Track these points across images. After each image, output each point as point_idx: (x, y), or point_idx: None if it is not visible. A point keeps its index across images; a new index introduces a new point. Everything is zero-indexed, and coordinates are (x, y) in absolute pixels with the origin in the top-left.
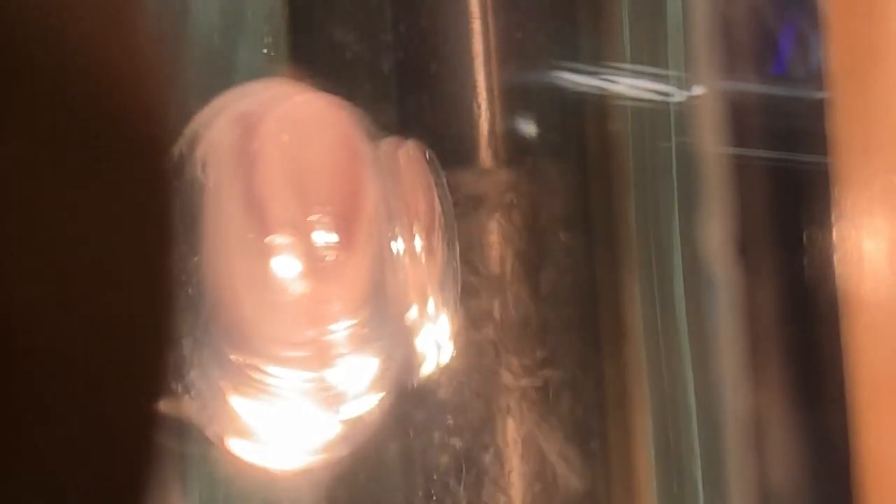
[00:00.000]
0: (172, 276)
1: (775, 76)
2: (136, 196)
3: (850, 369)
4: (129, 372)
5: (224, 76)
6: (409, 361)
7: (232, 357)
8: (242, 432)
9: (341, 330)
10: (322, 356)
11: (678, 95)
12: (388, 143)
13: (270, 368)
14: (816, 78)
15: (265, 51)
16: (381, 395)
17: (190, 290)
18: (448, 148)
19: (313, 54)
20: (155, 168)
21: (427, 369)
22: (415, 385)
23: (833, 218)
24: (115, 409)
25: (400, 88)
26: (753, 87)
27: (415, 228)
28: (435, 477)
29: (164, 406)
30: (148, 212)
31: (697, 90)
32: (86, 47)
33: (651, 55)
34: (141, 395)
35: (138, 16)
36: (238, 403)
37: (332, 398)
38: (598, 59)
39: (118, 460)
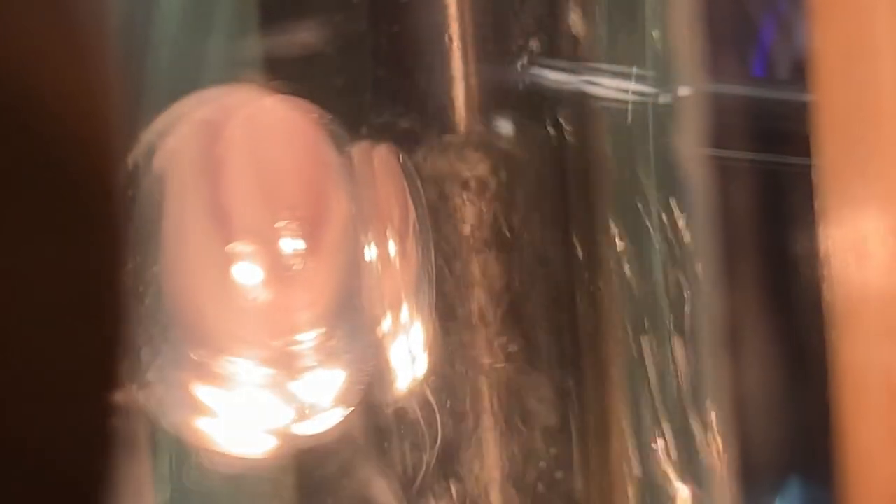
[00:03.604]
0: (121, 281)
1: (758, 77)
2: (84, 208)
3: (828, 281)
4: (80, 370)
5: (191, 78)
6: (380, 375)
7: (193, 355)
8: (203, 421)
9: (308, 340)
10: (287, 367)
11: (658, 96)
12: (360, 146)
13: (232, 359)
14: (800, 78)
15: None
16: (349, 409)
17: (148, 300)
18: (423, 148)
19: (284, 47)
20: (103, 183)
21: (401, 384)
22: (388, 400)
23: None
24: (67, 406)
25: (374, 87)
26: (736, 88)
27: (388, 233)
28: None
29: (120, 399)
30: (96, 223)
31: (678, 91)
32: (35, 67)
33: (630, 55)
34: (93, 391)
35: (93, 37)
36: (199, 392)
37: (296, 409)
38: (576, 58)
39: (74, 456)
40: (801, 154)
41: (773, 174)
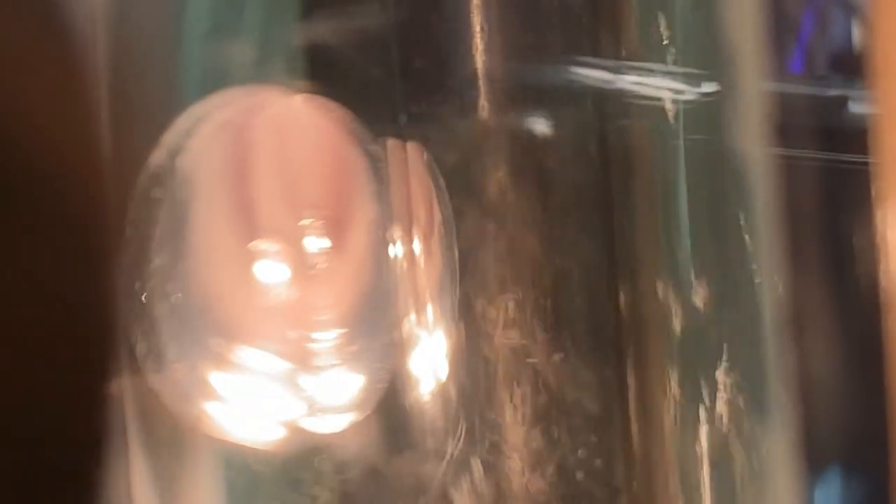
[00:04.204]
0: (110, 282)
1: (796, 73)
2: (72, 218)
3: (886, 270)
4: (73, 366)
5: (224, 74)
6: (398, 379)
7: (214, 346)
8: (218, 409)
9: (328, 340)
10: (304, 363)
11: (689, 93)
12: (386, 146)
13: (252, 352)
14: (839, 74)
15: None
16: (364, 412)
17: (174, 297)
18: (455, 147)
19: (320, 38)
20: (90, 193)
21: (422, 387)
22: (407, 404)
23: None
24: (61, 400)
25: (411, 77)
26: (778, 85)
27: (413, 232)
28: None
29: (113, 389)
30: (82, 231)
31: (709, 87)
32: (17, 82)
33: (662, 52)
34: (86, 385)
35: (76, 54)
36: (216, 381)
37: (310, 405)
38: (609, 55)
39: (69, 444)
40: (843, 149)
41: (819, 170)
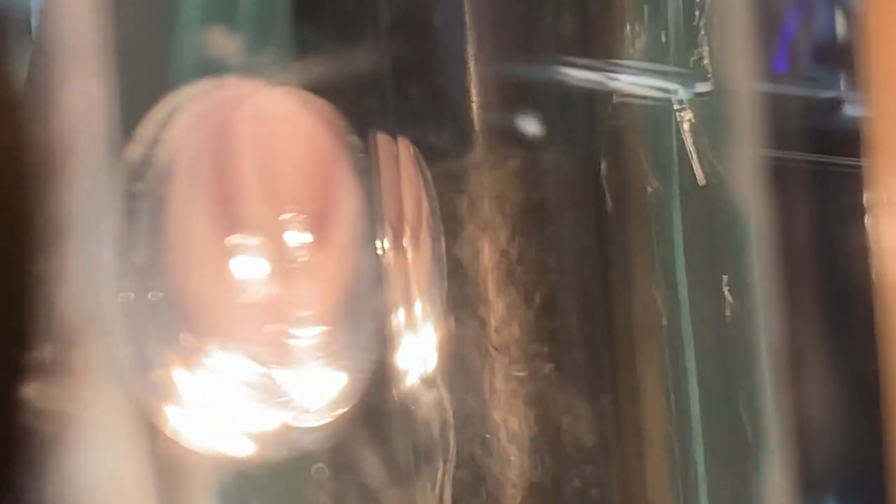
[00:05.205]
0: (30, 279)
1: (780, 73)
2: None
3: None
4: None
5: (214, 67)
6: (391, 375)
7: (191, 341)
8: (199, 410)
9: (308, 337)
10: (283, 362)
11: (681, 93)
12: (372, 139)
13: (228, 349)
14: (826, 73)
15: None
16: (346, 406)
17: (150, 296)
18: (441, 147)
19: (315, 67)
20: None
21: (408, 383)
22: (391, 402)
23: None
24: None
25: (396, 87)
26: (766, 85)
27: (400, 228)
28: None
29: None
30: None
31: (701, 87)
32: None
33: (654, 51)
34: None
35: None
36: (196, 381)
37: (289, 403)
38: (599, 54)
39: None
40: (835, 152)
41: (812, 173)
